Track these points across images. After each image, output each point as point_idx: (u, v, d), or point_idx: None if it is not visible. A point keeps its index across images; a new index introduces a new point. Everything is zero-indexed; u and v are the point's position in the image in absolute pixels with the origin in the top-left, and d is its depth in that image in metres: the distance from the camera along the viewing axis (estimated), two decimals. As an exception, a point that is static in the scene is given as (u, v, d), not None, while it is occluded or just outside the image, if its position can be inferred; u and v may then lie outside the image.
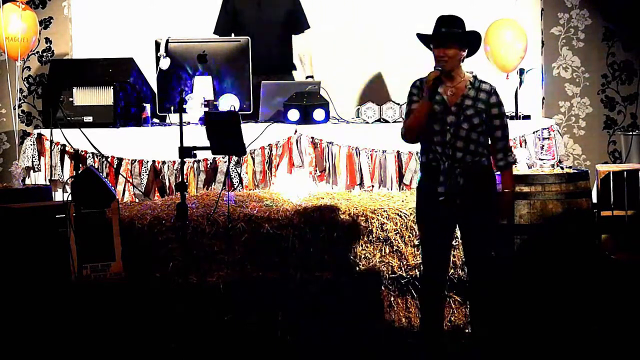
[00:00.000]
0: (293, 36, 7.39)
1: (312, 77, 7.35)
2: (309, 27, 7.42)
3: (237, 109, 6.67)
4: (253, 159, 6.58)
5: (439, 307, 5.37)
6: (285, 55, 7.38)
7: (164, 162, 6.59)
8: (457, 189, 5.15)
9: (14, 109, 7.33)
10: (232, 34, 7.30)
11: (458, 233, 5.46)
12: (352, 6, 8.07)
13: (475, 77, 5.27)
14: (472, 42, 5.24)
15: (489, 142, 5.28)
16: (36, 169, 6.60)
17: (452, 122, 5.17)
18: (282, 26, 7.33)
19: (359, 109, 6.96)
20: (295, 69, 7.46)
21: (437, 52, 5.17)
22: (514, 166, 6.44)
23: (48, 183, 6.55)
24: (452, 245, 5.44)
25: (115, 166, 6.56)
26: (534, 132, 6.70)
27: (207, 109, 6.67)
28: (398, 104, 6.81)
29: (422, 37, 5.27)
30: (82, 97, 6.72)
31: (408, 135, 5.25)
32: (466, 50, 5.21)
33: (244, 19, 7.32)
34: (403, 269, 6.08)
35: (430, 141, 5.20)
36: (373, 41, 8.04)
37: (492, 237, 5.32)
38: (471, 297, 5.41)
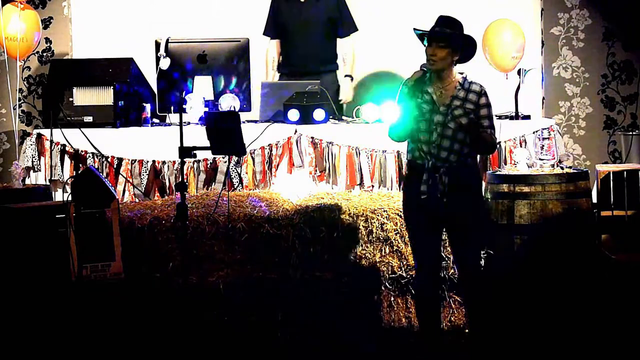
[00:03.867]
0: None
1: (350, 76, 7.43)
2: (356, 29, 7.50)
3: (237, 109, 6.68)
4: (253, 159, 6.58)
5: (435, 307, 5.36)
6: (327, 55, 7.41)
7: (164, 162, 6.59)
8: (440, 188, 5.15)
9: (14, 109, 7.34)
10: (279, 36, 7.40)
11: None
12: (352, 6, 8.06)
13: (465, 78, 5.27)
14: (465, 46, 5.22)
15: None
16: (36, 169, 6.60)
17: (439, 121, 5.18)
18: (323, 27, 7.39)
19: (359, 109, 6.96)
20: (338, 69, 7.49)
21: (429, 51, 5.17)
22: (513, 165, 6.47)
23: (48, 183, 6.55)
24: (440, 245, 5.43)
25: (115, 166, 6.56)
26: (534, 132, 6.70)
27: (207, 109, 6.67)
28: (398, 104, 6.81)
29: (417, 34, 5.27)
30: (82, 97, 6.72)
31: (394, 134, 5.27)
32: (458, 54, 5.20)
33: (285, 20, 7.38)
34: (403, 269, 6.08)
35: (417, 140, 5.21)
36: (373, 41, 8.03)
37: (480, 237, 5.33)
38: (463, 296, 5.41)
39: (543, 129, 6.63)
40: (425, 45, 5.20)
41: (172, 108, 6.84)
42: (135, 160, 6.60)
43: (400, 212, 6.06)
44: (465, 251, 5.24)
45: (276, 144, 6.62)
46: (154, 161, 6.59)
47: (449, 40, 5.14)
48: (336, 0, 7.47)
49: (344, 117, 7.15)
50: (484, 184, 6.24)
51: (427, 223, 5.22)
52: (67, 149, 6.58)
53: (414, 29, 5.28)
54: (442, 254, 5.76)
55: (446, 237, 5.55)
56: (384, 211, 6.11)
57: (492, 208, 6.07)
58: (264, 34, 7.48)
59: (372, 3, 8.09)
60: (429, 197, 5.16)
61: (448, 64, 5.18)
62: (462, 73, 5.28)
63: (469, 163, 5.25)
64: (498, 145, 6.32)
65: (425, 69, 5.15)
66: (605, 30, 7.91)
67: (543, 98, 7.95)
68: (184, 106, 6.68)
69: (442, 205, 5.16)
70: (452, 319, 6.12)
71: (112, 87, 6.71)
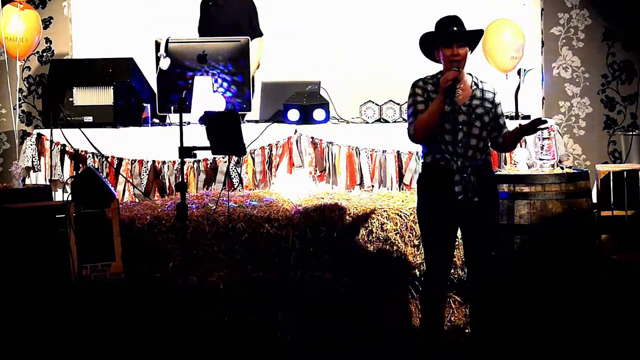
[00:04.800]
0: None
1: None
2: (261, 34, 7.44)
3: (222, 108, 6.65)
4: (253, 159, 6.58)
5: (441, 307, 5.37)
6: None
7: (164, 162, 6.59)
8: (471, 187, 5.15)
9: (14, 109, 7.34)
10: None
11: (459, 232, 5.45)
12: (353, 6, 8.07)
13: (476, 77, 5.29)
14: (476, 40, 5.27)
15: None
16: (36, 169, 6.60)
17: (464, 121, 5.18)
18: (232, 31, 7.28)
19: (359, 108, 6.96)
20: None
21: (450, 52, 5.15)
22: (513, 165, 6.48)
23: (48, 183, 6.55)
24: (455, 244, 5.44)
25: (115, 166, 6.56)
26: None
27: (207, 109, 6.67)
28: (398, 104, 6.82)
29: (430, 36, 5.24)
30: (82, 97, 6.72)
31: (420, 135, 5.20)
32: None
33: (208, 22, 7.41)
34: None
35: (440, 140, 5.19)
36: (373, 41, 8.04)
37: (496, 237, 5.34)
38: (472, 297, 5.40)
39: (543, 129, 6.62)
40: (442, 47, 5.17)
41: (172, 108, 6.84)
42: (135, 160, 6.60)
43: (401, 212, 6.07)
44: (481, 251, 5.23)
45: (276, 144, 6.62)
46: (154, 161, 6.60)
47: (469, 38, 5.17)
48: (246, 5, 7.44)
49: (343, 117, 7.15)
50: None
51: (447, 223, 5.22)
52: (67, 149, 6.58)
53: (426, 34, 5.25)
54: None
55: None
56: (384, 211, 6.11)
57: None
58: (199, 35, 7.51)
59: (372, 3, 8.09)
60: (463, 197, 5.15)
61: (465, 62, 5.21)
62: (470, 73, 5.29)
63: (488, 160, 5.27)
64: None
65: (457, 69, 5.14)
66: (605, 30, 7.91)
67: (543, 98, 7.95)
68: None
69: (469, 206, 5.16)
70: (452, 319, 6.12)
71: (112, 87, 6.71)
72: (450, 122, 5.18)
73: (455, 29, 5.17)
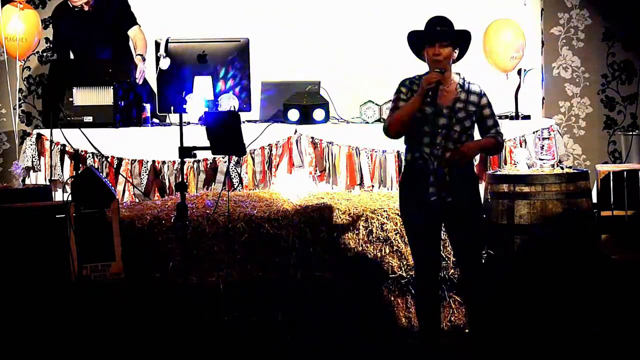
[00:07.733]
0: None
1: (142, 55, 7.09)
2: (137, 23, 7.28)
3: (236, 109, 6.68)
4: (253, 159, 6.58)
5: (435, 307, 5.36)
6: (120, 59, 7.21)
7: (164, 162, 6.59)
8: (446, 188, 5.15)
9: (14, 109, 7.33)
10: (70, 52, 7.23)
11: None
12: (352, 6, 8.07)
13: (463, 78, 5.25)
14: (463, 42, 5.23)
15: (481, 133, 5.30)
16: (36, 169, 6.60)
17: (444, 124, 5.16)
18: (111, 31, 7.20)
19: (359, 108, 6.96)
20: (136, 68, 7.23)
21: (432, 51, 5.15)
22: (513, 165, 6.47)
23: (48, 183, 6.55)
24: (441, 245, 5.42)
25: (115, 166, 6.56)
26: (534, 132, 6.70)
27: (207, 109, 6.68)
28: (398, 104, 6.81)
29: (415, 35, 5.25)
30: (82, 97, 6.72)
31: (392, 130, 5.19)
32: (457, 52, 5.21)
33: (72, 36, 7.24)
34: (403, 269, 6.08)
35: (420, 142, 5.18)
36: (373, 41, 8.03)
37: (481, 237, 5.33)
38: (465, 297, 5.40)
39: (543, 129, 6.63)
40: (427, 46, 5.17)
41: (172, 108, 6.84)
42: (135, 160, 6.60)
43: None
44: (467, 251, 5.24)
45: (276, 144, 6.62)
46: (154, 161, 6.60)
47: (451, 38, 5.14)
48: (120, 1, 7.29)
49: (343, 117, 7.15)
50: (483, 184, 6.25)
51: (429, 224, 5.21)
52: (67, 149, 6.58)
53: (412, 32, 5.26)
54: (442, 254, 5.77)
55: (446, 238, 5.55)
56: (384, 211, 6.11)
57: (492, 208, 6.07)
58: (57, 59, 7.33)
59: (373, 3, 8.09)
60: (437, 199, 5.15)
61: (449, 63, 5.17)
62: (458, 73, 5.27)
63: (469, 163, 5.25)
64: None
65: (438, 70, 5.13)
66: (605, 30, 7.90)
67: (543, 98, 7.95)
68: (184, 106, 6.69)
69: (447, 206, 5.15)
70: (452, 319, 6.12)
71: (112, 87, 6.71)
72: (430, 125, 5.16)
73: (438, 28, 5.15)
